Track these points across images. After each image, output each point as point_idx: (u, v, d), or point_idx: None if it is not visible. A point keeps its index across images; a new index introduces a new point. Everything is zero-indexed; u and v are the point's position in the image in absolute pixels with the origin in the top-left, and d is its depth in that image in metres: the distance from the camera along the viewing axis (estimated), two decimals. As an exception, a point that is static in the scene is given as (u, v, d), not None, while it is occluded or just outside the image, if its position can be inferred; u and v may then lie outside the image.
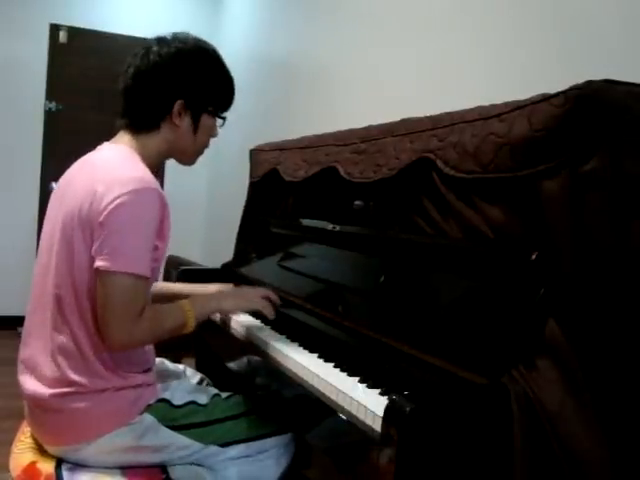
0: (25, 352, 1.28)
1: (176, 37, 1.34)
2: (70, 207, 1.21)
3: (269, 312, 1.39)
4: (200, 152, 1.43)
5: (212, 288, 1.57)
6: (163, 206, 1.21)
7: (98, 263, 1.14)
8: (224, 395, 1.39)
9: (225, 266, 2.06)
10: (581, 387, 0.87)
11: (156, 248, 1.23)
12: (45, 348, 1.22)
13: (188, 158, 1.41)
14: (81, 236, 1.18)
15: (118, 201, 1.14)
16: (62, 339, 1.20)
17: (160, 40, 1.34)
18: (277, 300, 1.43)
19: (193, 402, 1.32)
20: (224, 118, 1.42)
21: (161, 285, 1.58)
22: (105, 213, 1.14)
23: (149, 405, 1.25)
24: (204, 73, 1.34)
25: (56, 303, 1.21)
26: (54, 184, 4.84)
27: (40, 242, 1.32)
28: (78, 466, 1.23)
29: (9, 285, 4.06)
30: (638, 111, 0.90)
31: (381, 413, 0.85)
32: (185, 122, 1.33)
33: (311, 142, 1.77)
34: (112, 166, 1.24)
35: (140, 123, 1.32)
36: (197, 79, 1.33)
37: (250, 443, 1.33)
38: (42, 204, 4.08)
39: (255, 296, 1.40)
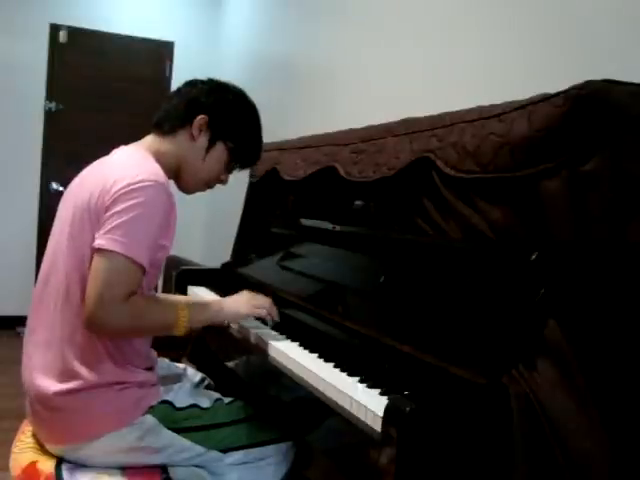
0: (29, 347, 1.29)
1: (228, 82, 1.44)
2: (80, 204, 1.23)
3: (271, 317, 1.38)
4: (205, 182, 1.42)
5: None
6: (171, 205, 1.23)
7: (96, 242, 1.15)
8: (226, 400, 1.39)
9: (225, 266, 2.07)
10: (581, 387, 0.87)
11: (163, 247, 1.24)
12: (52, 340, 1.22)
13: (191, 181, 1.41)
14: (89, 226, 1.19)
15: (127, 189, 1.16)
16: (69, 329, 1.21)
17: (212, 79, 1.43)
18: (274, 313, 1.40)
19: (195, 405, 1.32)
20: (238, 166, 1.45)
21: (164, 297, 1.58)
22: (112, 198, 1.16)
23: (151, 406, 1.25)
24: (237, 106, 1.41)
25: (65, 294, 1.22)
26: (54, 184, 4.83)
27: (49, 238, 1.33)
28: (78, 466, 1.23)
29: (9, 285, 4.06)
30: (638, 111, 0.90)
31: (381, 413, 0.85)
32: (201, 140, 1.36)
33: (311, 142, 1.77)
34: (126, 162, 1.26)
35: (163, 125, 1.36)
36: (230, 107, 1.39)
37: (250, 449, 1.33)
38: (42, 204, 4.08)
39: (256, 303, 1.37)
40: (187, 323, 1.23)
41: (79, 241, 1.21)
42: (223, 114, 1.37)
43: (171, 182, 1.37)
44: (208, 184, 1.43)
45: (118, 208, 1.15)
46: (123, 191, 1.16)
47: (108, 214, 1.16)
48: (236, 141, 1.40)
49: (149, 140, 1.37)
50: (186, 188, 1.42)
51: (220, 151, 1.39)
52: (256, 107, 1.45)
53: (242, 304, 1.36)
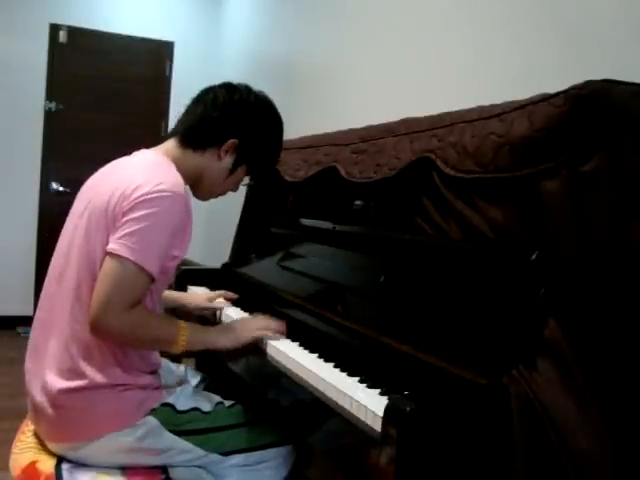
0: (36, 342, 1.29)
1: (264, 94, 1.43)
2: (98, 204, 1.23)
3: (274, 334, 1.33)
4: (219, 195, 1.46)
5: (201, 295, 1.65)
6: (188, 215, 1.23)
7: (110, 246, 1.16)
8: (227, 403, 1.39)
9: (225, 266, 2.06)
10: (581, 387, 0.87)
11: (174, 257, 1.25)
12: (60, 337, 1.23)
13: (206, 193, 1.43)
14: (104, 227, 1.20)
15: (146, 197, 1.17)
16: (78, 327, 1.21)
17: (248, 87, 1.41)
18: (278, 327, 1.35)
19: (197, 409, 1.32)
20: (253, 181, 1.47)
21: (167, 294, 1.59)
22: (130, 205, 1.17)
23: (153, 409, 1.25)
24: (268, 133, 1.42)
25: (75, 292, 1.22)
26: (54, 184, 4.81)
27: (61, 235, 1.33)
28: (78, 466, 1.23)
29: (9, 285, 4.05)
30: (638, 111, 0.90)
31: (381, 413, 0.85)
32: (227, 161, 1.37)
33: (311, 142, 1.77)
34: (149, 168, 1.26)
35: (191, 138, 1.35)
36: (260, 134, 1.39)
37: (250, 453, 1.34)
38: (42, 204, 4.07)
39: (258, 326, 1.34)
40: (185, 343, 1.24)
41: (93, 241, 1.21)
42: (254, 141, 1.38)
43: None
44: (222, 194, 1.47)
45: (135, 215, 1.16)
46: (142, 198, 1.16)
47: (125, 219, 1.17)
48: (258, 163, 1.43)
49: (169, 147, 1.35)
50: (201, 197, 1.45)
51: (240, 172, 1.41)
52: (282, 125, 1.45)
53: (242, 329, 1.34)
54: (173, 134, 1.38)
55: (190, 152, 1.35)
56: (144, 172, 1.23)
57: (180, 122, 1.39)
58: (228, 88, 1.38)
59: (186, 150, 1.35)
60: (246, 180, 1.46)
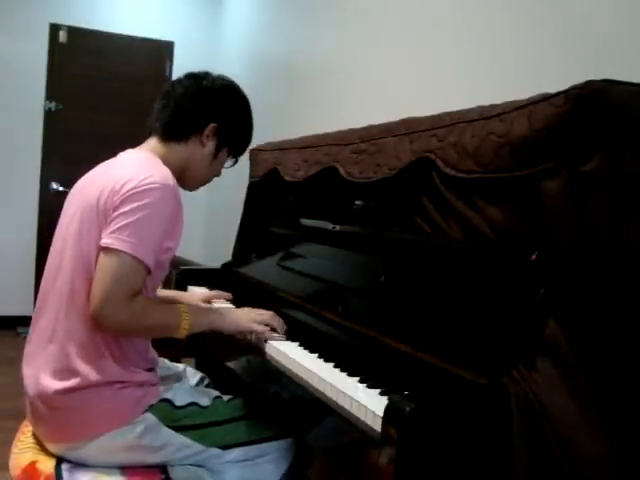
0: (32, 344, 1.29)
1: (224, 76, 1.48)
2: (89, 202, 1.24)
3: (269, 336, 1.34)
4: (207, 181, 1.50)
5: (198, 295, 1.66)
6: (178, 207, 1.25)
7: (103, 240, 1.17)
8: (226, 398, 1.39)
9: (225, 266, 2.07)
10: (581, 387, 0.87)
11: (168, 249, 1.26)
12: (54, 337, 1.23)
13: (195, 182, 1.46)
14: (96, 224, 1.21)
15: (136, 190, 1.18)
16: (73, 326, 1.21)
17: (209, 74, 1.45)
18: (280, 326, 1.37)
19: (195, 403, 1.32)
20: (235, 161, 1.51)
21: (166, 293, 1.61)
22: (121, 199, 1.19)
23: (151, 405, 1.25)
24: (240, 112, 1.47)
25: (70, 291, 1.23)
26: (54, 184, 4.82)
27: (55, 236, 1.33)
28: (78, 466, 1.23)
29: (9, 285, 4.05)
30: (638, 111, 0.90)
31: (381, 413, 0.85)
32: (209, 146, 1.41)
33: (311, 142, 1.77)
34: (137, 164, 1.28)
35: (173, 131, 1.38)
36: (235, 114, 1.44)
37: (250, 447, 1.34)
38: (42, 204, 4.08)
39: (257, 318, 1.36)
40: (189, 326, 1.25)
41: (86, 239, 1.22)
42: (230, 121, 1.42)
43: None
44: (208, 182, 1.50)
45: (126, 208, 1.18)
46: (132, 192, 1.18)
47: (116, 214, 1.18)
48: (237, 143, 1.47)
49: (152, 145, 1.38)
50: (190, 187, 1.47)
51: (223, 154, 1.45)
52: (249, 102, 1.49)
53: (242, 316, 1.37)
54: (152, 133, 1.40)
55: (174, 145, 1.38)
56: (132, 168, 1.25)
57: (156, 120, 1.40)
58: (194, 78, 1.42)
59: (170, 144, 1.37)
60: (228, 164, 1.50)
